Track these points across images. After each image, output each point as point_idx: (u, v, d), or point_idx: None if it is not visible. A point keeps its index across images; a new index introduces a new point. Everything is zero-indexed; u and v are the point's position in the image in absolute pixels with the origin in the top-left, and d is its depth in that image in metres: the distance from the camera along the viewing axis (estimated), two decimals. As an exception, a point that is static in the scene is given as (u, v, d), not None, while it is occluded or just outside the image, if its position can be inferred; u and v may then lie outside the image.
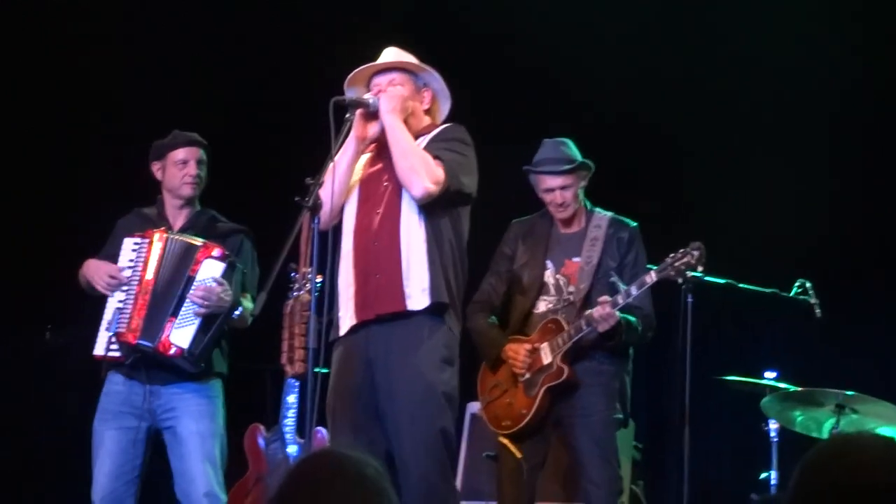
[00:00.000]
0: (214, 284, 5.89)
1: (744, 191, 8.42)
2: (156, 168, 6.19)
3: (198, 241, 6.00)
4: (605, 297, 6.02)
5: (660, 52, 8.66)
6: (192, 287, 5.90)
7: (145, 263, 5.95)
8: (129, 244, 6.05)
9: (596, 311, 5.98)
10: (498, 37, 8.88)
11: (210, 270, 5.93)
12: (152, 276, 5.93)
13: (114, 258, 6.05)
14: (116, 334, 5.87)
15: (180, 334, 5.88)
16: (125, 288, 5.96)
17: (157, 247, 5.97)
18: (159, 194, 6.25)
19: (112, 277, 5.97)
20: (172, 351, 5.86)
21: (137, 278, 5.95)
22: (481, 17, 8.80)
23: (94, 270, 6.03)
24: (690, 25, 8.66)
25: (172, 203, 6.20)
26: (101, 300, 6.01)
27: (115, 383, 5.99)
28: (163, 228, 6.06)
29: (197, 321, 5.89)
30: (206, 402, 6.03)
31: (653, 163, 8.74)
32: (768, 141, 8.62)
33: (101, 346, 5.93)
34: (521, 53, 8.81)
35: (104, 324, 5.95)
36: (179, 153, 6.14)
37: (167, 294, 5.91)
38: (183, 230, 6.12)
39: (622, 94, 8.73)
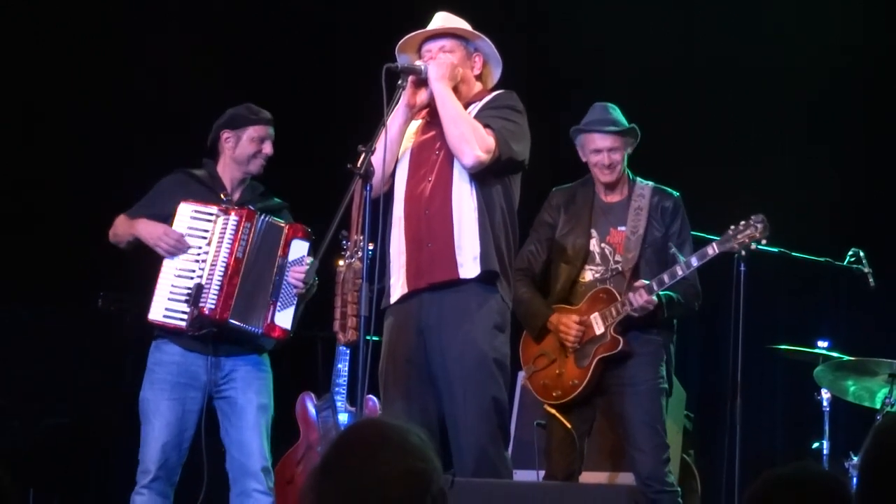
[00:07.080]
0: (306, 265, 5.88)
1: (792, 159, 8.37)
2: (225, 136, 6.04)
3: (281, 223, 5.98)
4: (641, 282, 5.98)
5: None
6: (288, 269, 5.92)
7: (234, 241, 5.87)
8: (187, 210, 5.92)
9: (634, 301, 5.95)
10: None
11: (298, 251, 5.96)
12: (242, 255, 5.88)
13: (163, 220, 5.92)
14: (199, 309, 5.79)
15: (283, 317, 5.93)
16: (190, 257, 5.88)
17: (245, 226, 5.89)
18: (207, 158, 6.14)
19: (178, 241, 5.87)
20: (277, 333, 5.94)
21: (226, 255, 5.87)
22: None
23: (156, 232, 5.88)
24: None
25: (234, 174, 6.08)
26: (150, 264, 5.91)
27: (171, 353, 5.92)
28: (246, 208, 5.94)
29: (295, 302, 5.95)
30: (266, 376, 6.03)
31: (697, 133, 8.68)
32: (816, 108, 8.56)
33: (159, 311, 5.86)
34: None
35: (164, 290, 5.86)
36: (260, 130, 6.03)
37: (262, 278, 5.91)
38: (242, 203, 6.01)
39: (662, 64, 8.72)
